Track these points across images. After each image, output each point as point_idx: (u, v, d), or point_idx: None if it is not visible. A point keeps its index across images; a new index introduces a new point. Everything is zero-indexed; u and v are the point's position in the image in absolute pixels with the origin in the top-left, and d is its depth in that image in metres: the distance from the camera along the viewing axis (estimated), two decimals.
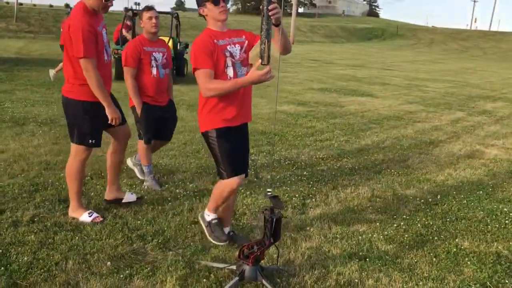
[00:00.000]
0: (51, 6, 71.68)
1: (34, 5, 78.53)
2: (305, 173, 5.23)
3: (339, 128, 7.82)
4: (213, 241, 3.29)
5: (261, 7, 2.51)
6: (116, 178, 4.02)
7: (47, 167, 4.86)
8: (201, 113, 3.07)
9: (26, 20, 31.90)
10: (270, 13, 2.48)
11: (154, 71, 4.29)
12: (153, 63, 4.28)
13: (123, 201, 3.97)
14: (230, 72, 2.93)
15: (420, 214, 4.19)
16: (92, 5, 3.38)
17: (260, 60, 2.57)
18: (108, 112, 3.48)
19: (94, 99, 3.45)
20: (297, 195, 4.49)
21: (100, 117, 3.54)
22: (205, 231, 3.33)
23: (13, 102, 8.15)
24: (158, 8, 4.88)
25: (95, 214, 3.66)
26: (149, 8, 4.32)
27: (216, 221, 3.29)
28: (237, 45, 2.97)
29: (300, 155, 5.96)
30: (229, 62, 2.92)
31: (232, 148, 3.06)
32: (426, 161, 6.00)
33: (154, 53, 4.31)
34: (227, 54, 2.92)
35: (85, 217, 3.63)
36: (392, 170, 5.50)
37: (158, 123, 4.45)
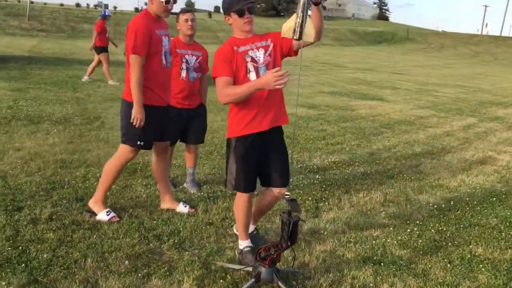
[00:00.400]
0: (61, 5, 72.31)
1: (45, 3, 79.23)
2: (317, 176, 5.25)
3: (350, 132, 7.83)
4: (241, 264, 3.15)
5: None
6: (165, 189, 4.02)
7: (63, 166, 4.92)
8: (228, 118, 3.09)
9: (38, 19, 32.21)
10: None
11: (184, 73, 4.29)
12: (184, 65, 4.28)
13: (176, 210, 3.98)
14: (252, 77, 2.94)
15: (434, 220, 4.20)
16: (155, 11, 3.56)
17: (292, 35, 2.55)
18: (133, 109, 3.51)
19: (149, 103, 3.56)
20: (310, 199, 4.51)
21: (153, 122, 3.61)
22: (237, 255, 3.26)
23: (27, 101, 8.24)
24: None
25: (112, 214, 3.70)
26: (186, 10, 4.37)
27: (248, 248, 3.21)
28: (260, 49, 2.97)
29: (312, 159, 5.98)
30: (251, 67, 2.94)
31: (243, 164, 3.03)
32: (438, 167, 6.00)
33: (186, 56, 4.30)
34: (248, 59, 2.94)
35: (102, 215, 3.67)
36: (405, 175, 5.50)
37: (185, 126, 4.44)
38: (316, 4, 2.64)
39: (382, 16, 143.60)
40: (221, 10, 3.05)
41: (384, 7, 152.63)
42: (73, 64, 14.66)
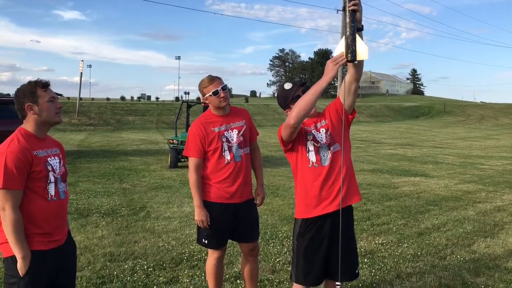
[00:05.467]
0: (108, 99, 77.08)
1: (93, 99, 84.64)
2: (366, 260, 5.10)
3: (396, 211, 7.65)
4: None
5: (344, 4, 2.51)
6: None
7: (112, 259, 5.00)
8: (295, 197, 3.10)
9: (87, 114, 34.19)
10: (349, 4, 2.47)
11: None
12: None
13: None
14: (311, 156, 2.93)
15: None
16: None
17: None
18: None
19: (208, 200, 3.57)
20: (360, 285, 4.36)
21: (217, 221, 3.56)
22: None
23: (77, 194, 8.57)
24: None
25: None
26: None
27: None
28: (321, 130, 2.98)
29: (358, 241, 5.83)
30: (310, 147, 2.96)
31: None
32: (493, 246, 5.72)
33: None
34: (310, 137, 2.95)
35: None
36: (458, 256, 5.27)
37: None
38: (358, 30, 2.55)
39: (417, 90, 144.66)
40: (282, 109, 3.07)
41: (417, 82, 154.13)
42: (119, 155, 15.29)
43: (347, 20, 2.49)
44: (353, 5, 2.48)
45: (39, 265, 2.47)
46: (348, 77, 2.79)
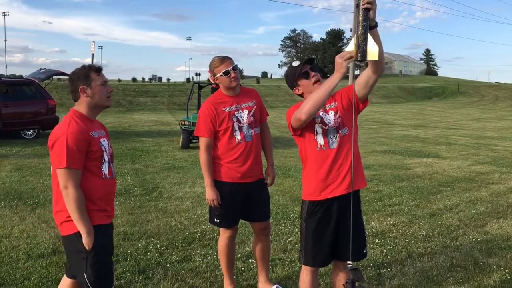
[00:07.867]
0: (119, 80, 77.15)
1: None
2: (377, 240, 5.11)
3: (408, 191, 7.63)
4: None
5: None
6: (261, 267, 3.82)
7: (125, 238, 5.07)
8: (302, 178, 3.10)
9: None
10: (363, 2, 2.39)
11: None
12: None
13: None
14: (319, 139, 2.91)
15: (507, 286, 3.94)
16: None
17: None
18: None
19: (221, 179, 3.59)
20: (371, 265, 4.38)
21: (228, 200, 3.58)
22: None
23: None
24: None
25: None
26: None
27: None
28: (330, 112, 2.95)
29: (370, 221, 5.84)
30: (318, 129, 2.93)
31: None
32: (506, 227, 5.69)
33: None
34: (318, 120, 2.93)
35: None
36: (470, 237, 5.25)
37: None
38: (372, 27, 2.46)
39: (431, 71, 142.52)
40: (290, 88, 3.04)
41: (431, 63, 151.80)
42: (131, 136, 15.38)
43: (360, 18, 2.39)
44: (367, 3, 2.39)
45: (103, 238, 2.62)
46: (368, 71, 2.75)
